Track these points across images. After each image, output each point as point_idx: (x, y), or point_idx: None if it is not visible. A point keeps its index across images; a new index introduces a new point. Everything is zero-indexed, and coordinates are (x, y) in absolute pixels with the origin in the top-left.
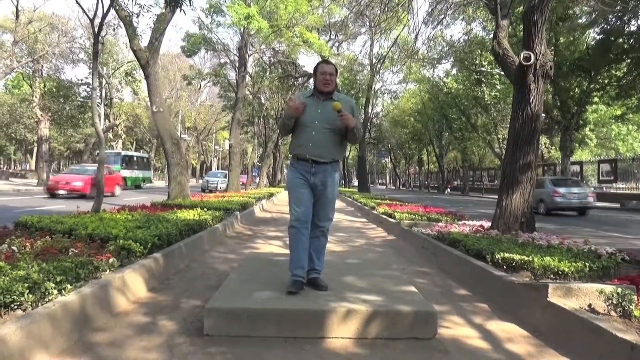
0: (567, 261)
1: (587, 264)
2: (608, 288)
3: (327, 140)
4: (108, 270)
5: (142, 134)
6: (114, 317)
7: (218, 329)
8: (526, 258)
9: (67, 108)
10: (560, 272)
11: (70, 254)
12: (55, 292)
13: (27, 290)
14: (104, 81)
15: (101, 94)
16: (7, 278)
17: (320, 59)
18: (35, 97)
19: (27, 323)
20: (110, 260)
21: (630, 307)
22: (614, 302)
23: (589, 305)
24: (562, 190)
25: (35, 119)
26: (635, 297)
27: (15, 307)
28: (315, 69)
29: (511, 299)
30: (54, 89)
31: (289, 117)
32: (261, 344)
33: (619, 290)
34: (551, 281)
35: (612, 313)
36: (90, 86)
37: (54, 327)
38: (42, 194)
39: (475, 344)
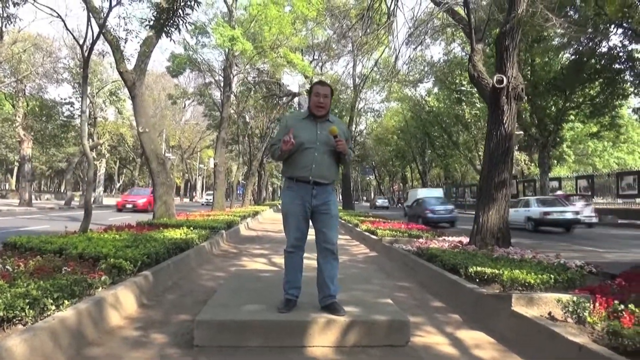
0: (534, 274)
1: (552, 276)
2: (565, 297)
3: (328, 161)
4: (101, 288)
5: (126, 153)
6: (108, 332)
7: (208, 340)
8: (497, 271)
9: (50, 127)
10: (527, 284)
11: (63, 272)
12: (53, 307)
13: (28, 306)
14: (88, 100)
15: (86, 113)
16: (8, 295)
17: (304, 79)
18: (18, 117)
19: (30, 336)
20: (103, 278)
21: (584, 314)
22: (570, 309)
23: (549, 313)
24: (379, 201)
25: (18, 139)
26: (589, 305)
27: (17, 321)
28: (310, 89)
29: (480, 309)
30: (37, 109)
31: (286, 152)
32: (248, 354)
33: (575, 299)
34: (518, 292)
35: (569, 320)
36: (77, 108)
37: (53, 340)
38: (25, 214)
39: (445, 350)
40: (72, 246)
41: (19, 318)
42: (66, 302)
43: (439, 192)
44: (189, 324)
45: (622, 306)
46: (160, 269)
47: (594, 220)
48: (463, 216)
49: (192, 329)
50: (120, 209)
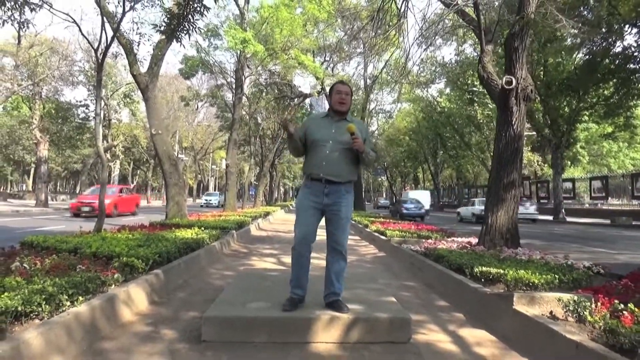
0: (538, 274)
1: (557, 276)
2: (566, 296)
3: (341, 158)
4: (114, 285)
5: (140, 154)
6: (120, 326)
7: (214, 335)
8: (501, 271)
9: (65, 129)
10: (531, 284)
11: (77, 270)
12: (68, 303)
13: (44, 302)
14: (102, 103)
15: (100, 115)
16: (26, 291)
17: (315, 80)
18: (35, 119)
19: (46, 330)
20: (115, 275)
21: (585, 312)
22: (571, 308)
23: (550, 312)
24: (381, 201)
25: (35, 141)
26: (589, 304)
27: (34, 316)
28: (331, 89)
29: (484, 308)
30: (53, 111)
31: (289, 137)
32: (253, 349)
33: (575, 298)
34: (521, 292)
35: (570, 318)
36: (92, 110)
37: (68, 334)
38: (41, 214)
39: (446, 347)
40: (86, 245)
41: (36, 313)
42: (80, 298)
43: (426, 194)
44: (198, 320)
45: (622, 305)
46: (171, 268)
47: (536, 216)
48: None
49: (200, 325)
50: (76, 213)
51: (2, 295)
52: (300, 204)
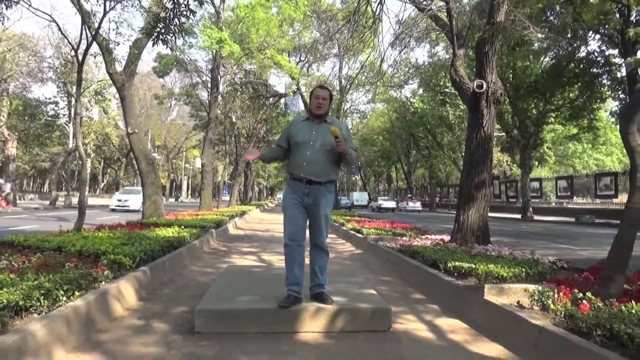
0: (507, 268)
1: (524, 269)
2: (532, 287)
3: (322, 159)
4: (104, 282)
5: (111, 152)
6: (113, 320)
7: (207, 327)
8: (473, 266)
9: (33, 127)
10: (500, 277)
11: (67, 267)
12: (64, 298)
13: (42, 297)
14: (72, 100)
15: (69, 113)
16: (24, 286)
17: (290, 80)
18: (3, 116)
19: (49, 322)
20: (105, 272)
21: (548, 301)
22: (536, 298)
23: (518, 302)
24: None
25: (2, 139)
26: (552, 294)
27: (33, 311)
28: (311, 93)
29: (457, 300)
30: (20, 108)
31: (262, 160)
32: (244, 339)
33: (540, 288)
34: (491, 284)
35: (535, 307)
36: (62, 107)
37: (67, 327)
38: (11, 214)
39: (423, 335)
40: (70, 244)
41: (35, 307)
42: (77, 293)
43: (365, 195)
44: (187, 314)
45: (582, 295)
46: (156, 265)
47: (419, 208)
48: (447, 216)
49: (191, 318)
50: None
51: (2, 291)
52: (286, 202)
